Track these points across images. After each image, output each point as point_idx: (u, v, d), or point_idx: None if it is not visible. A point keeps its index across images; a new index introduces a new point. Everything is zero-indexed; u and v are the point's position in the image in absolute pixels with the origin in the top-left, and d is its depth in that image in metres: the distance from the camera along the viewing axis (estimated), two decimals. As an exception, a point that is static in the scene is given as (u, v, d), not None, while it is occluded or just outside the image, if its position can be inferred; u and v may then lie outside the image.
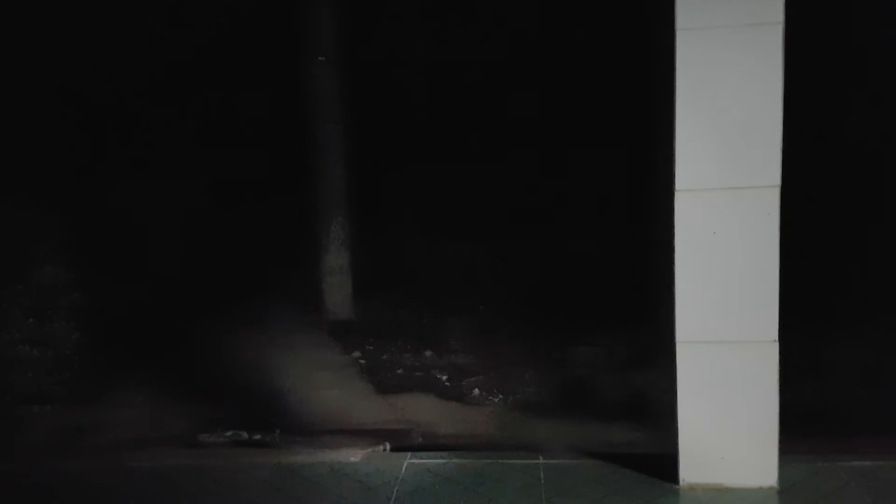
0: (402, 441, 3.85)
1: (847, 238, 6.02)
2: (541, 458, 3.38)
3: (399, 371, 5.40)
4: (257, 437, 3.91)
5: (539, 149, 7.55)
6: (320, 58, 6.45)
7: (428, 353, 5.67)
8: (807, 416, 3.53)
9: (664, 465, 3.13)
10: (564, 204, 7.24)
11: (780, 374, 2.95)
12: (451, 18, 7.68)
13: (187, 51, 7.51)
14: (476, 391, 5.01)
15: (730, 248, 2.97)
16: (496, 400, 4.88)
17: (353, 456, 3.50)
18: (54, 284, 6.36)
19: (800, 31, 3.04)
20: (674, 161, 2.98)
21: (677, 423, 3.05)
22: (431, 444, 3.89)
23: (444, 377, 5.26)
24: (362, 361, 5.59)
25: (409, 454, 3.50)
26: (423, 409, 4.65)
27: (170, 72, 7.59)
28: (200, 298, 6.28)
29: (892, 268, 5.41)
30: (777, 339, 2.95)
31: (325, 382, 5.11)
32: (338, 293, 6.68)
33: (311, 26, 6.52)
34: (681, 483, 3.08)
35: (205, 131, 7.74)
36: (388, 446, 3.67)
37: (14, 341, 5.61)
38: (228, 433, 3.95)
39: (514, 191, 7.41)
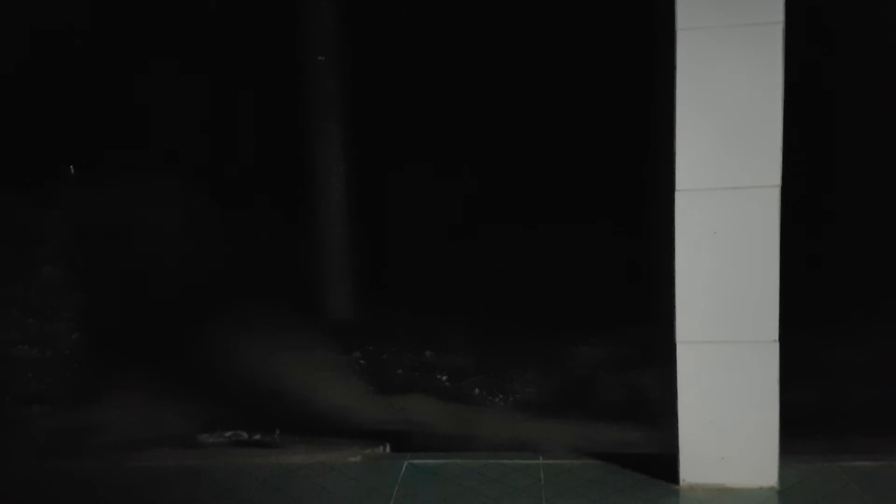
0: (402, 441, 3.84)
1: (848, 237, 6.01)
2: (541, 458, 3.37)
3: (399, 371, 5.39)
4: (257, 437, 3.90)
5: (539, 149, 7.55)
6: (320, 57, 6.45)
7: (428, 353, 5.66)
8: (807, 417, 3.52)
9: (664, 465, 3.12)
10: (564, 204, 7.23)
11: (781, 374, 2.95)
12: (450, 16, 7.67)
13: (186, 51, 7.50)
14: (476, 391, 5.00)
15: (730, 248, 2.96)
16: (496, 400, 4.87)
17: (353, 456, 3.49)
18: (54, 284, 6.36)
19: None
20: (674, 161, 2.98)
21: (677, 423, 3.04)
22: (431, 445, 3.89)
23: (445, 377, 5.25)
24: (362, 361, 5.59)
25: (408, 454, 3.49)
26: (423, 410, 4.64)
27: (168, 73, 7.58)
28: (201, 298, 6.27)
29: (894, 268, 5.40)
30: (777, 339, 2.94)
31: (324, 382, 5.11)
32: (338, 293, 6.67)
33: (312, 26, 6.51)
34: (681, 483, 3.07)
35: (205, 132, 7.74)
36: (388, 446, 3.67)
37: (14, 341, 5.61)
38: (228, 433, 3.94)
39: (514, 191, 7.41)
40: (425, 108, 7.67)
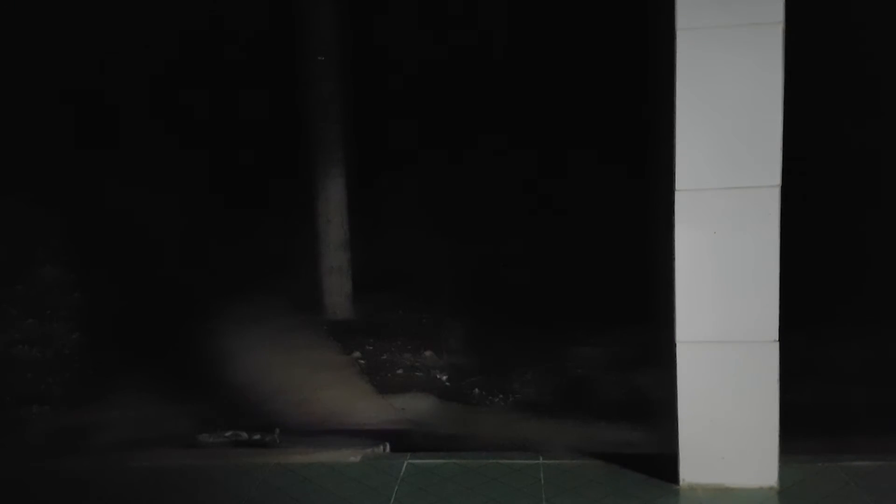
0: (402, 441, 3.84)
1: (848, 238, 6.01)
2: (541, 458, 3.37)
3: (399, 371, 5.39)
4: (257, 437, 3.90)
5: (538, 149, 7.56)
6: (320, 58, 6.45)
7: (428, 353, 5.66)
8: (807, 417, 3.52)
9: (664, 465, 3.12)
10: (564, 204, 7.24)
11: (781, 374, 2.95)
12: (449, 16, 7.68)
13: (187, 52, 7.50)
14: (476, 391, 5.00)
15: (730, 248, 2.96)
16: (496, 400, 4.87)
17: (353, 456, 3.49)
18: (54, 284, 6.36)
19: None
20: (674, 161, 2.98)
21: (677, 423, 3.04)
22: (431, 445, 3.88)
23: (444, 377, 5.25)
24: (362, 361, 5.59)
25: (409, 454, 3.49)
26: (423, 409, 4.64)
27: (169, 73, 7.58)
28: (201, 298, 6.28)
29: (893, 268, 5.40)
30: (777, 339, 2.94)
31: (325, 382, 5.11)
32: (338, 293, 6.67)
33: (312, 26, 6.51)
34: (681, 483, 3.07)
35: (205, 132, 7.74)
36: (388, 446, 3.66)
37: (14, 341, 5.61)
38: (228, 433, 3.94)
39: (514, 191, 7.41)
40: (422, 110, 7.67)
